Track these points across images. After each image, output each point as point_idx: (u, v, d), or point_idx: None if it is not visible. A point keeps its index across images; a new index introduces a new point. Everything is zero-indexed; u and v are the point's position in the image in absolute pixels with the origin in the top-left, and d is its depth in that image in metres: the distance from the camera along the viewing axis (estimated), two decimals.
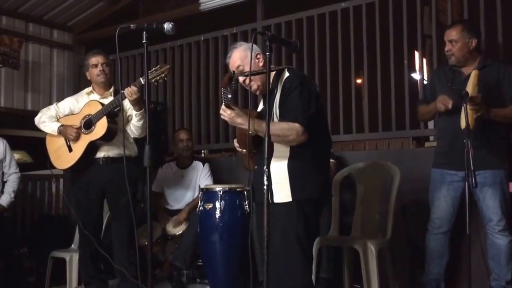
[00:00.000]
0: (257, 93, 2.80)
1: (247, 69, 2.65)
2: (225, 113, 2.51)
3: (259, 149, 2.60)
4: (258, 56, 2.74)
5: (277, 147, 2.58)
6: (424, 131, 4.12)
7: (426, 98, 3.51)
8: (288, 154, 2.59)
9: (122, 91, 3.46)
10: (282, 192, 2.55)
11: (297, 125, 2.49)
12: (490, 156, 3.21)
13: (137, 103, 3.52)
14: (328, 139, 2.82)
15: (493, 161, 3.22)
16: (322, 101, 2.82)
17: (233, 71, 2.68)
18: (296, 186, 2.56)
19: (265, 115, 2.34)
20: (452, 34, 3.31)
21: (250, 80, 2.60)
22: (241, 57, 2.72)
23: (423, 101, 3.54)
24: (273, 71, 2.65)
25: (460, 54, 3.29)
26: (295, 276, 2.55)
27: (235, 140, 2.82)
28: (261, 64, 2.73)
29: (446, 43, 3.35)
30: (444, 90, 3.26)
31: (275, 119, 2.59)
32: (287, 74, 2.65)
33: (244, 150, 2.68)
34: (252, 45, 2.49)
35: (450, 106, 3.15)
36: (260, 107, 2.89)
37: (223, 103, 2.50)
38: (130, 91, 3.42)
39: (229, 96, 2.48)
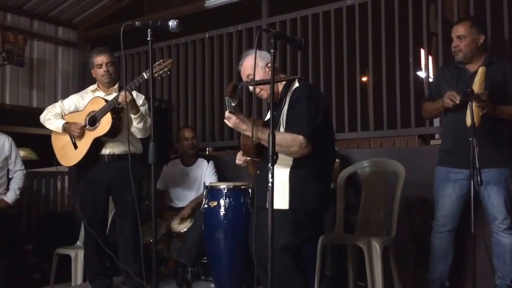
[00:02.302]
0: (269, 100, 2.80)
1: (257, 78, 2.65)
2: (230, 119, 2.52)
3: (262, 157, 2.62)
4: (269, 65, 2.69)
5: (280, 155, 2.59)
6: (429, 129, 4.10)
7: (431, 96, 3.49)
8: (291, 163, 2.60)
9: (126, 87, 3.44)
10: (280, 199, 2.55)
11: (301, 137, 2.50)
12: (495, 154, 3.19)
13: (132, 107, 3.49)
14: (332, 152, 2.83)
15: (499, 159, 3.20)
16: (328, 104, 2.82)
17: (239, 81, 2.71)
18: (295, 195, 2.58)
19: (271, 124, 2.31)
20: (460, 29, 3.27)
21: (254, 92, 2.63)
22: (252, 65, 2.71)
23: (429, 98, 3.52)
24: (283, 81, 2.66)
25: (468, 50, 3.26)
26: (282, 282, 2.54)
27: (238, 153, 2.83)
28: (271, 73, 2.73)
29: (453, 39, 3.31)
30: (450, 88, 3.24)
31: (281, 129, 2.60)
32: (296, 84, 2.65)
33: (248, 158, 2.70)
34: (271, 54, 2.39)
35: (458, 101, 3.11)
36: (268, 116, 2.89)
37: (228, 110, 2.50)
38: (122, 97, 3.34)
39: (233, 104, 2.48)
